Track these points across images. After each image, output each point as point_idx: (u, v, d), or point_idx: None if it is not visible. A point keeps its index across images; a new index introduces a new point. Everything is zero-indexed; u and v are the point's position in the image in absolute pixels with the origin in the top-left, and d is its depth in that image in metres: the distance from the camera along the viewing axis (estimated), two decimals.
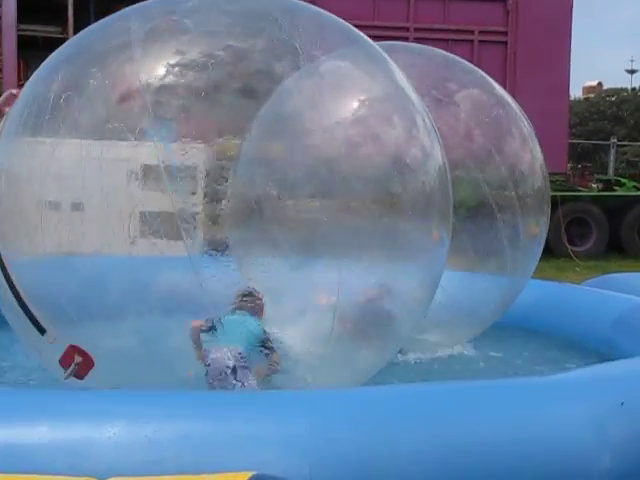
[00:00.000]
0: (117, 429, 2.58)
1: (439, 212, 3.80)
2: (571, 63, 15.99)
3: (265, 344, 3.58)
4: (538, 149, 5.62)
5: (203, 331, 3.53)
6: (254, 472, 2.23)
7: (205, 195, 3.48)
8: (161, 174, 3.38)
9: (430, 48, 6.01)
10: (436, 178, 3.79)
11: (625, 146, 31.96)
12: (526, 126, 5.59)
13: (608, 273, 7.99)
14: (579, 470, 2.88)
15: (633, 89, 46.83)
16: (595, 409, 3.07)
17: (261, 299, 3.66)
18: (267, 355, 3.59)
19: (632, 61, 55.99)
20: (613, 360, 4.11)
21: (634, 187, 17.93)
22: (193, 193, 3.47)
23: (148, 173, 3.40)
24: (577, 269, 13.65)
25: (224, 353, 3.47)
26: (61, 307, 3.46)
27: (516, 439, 2.91)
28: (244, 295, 3.63)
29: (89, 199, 3.44)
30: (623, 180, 18.44)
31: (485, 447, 2.84)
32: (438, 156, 3.82)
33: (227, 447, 2.60)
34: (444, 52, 5.91)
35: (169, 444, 2.57)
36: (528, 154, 5.58)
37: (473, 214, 5.40)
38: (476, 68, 5.77)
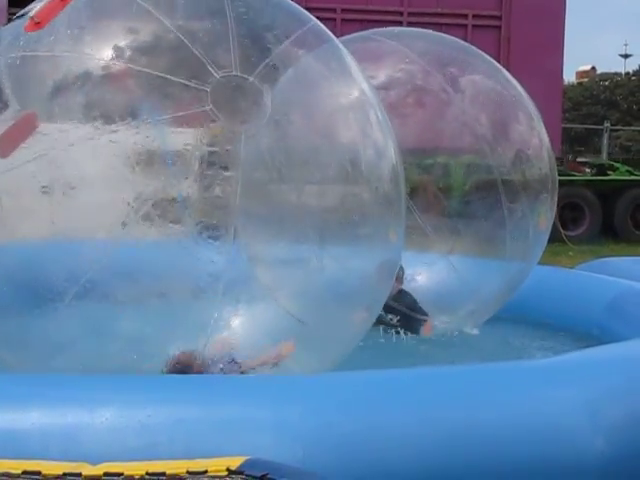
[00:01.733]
0: (110, 414, 2.58)
1: (392, 210, 3.82)
2: (565, 47, 15.98)
3: None
4: (545, 133, 5.59)
5: None
6: (248, 457, 2.23)
7: (199, 180, 3.47)
8: (155, 157, 3.38)
9: (440, 34, 6.00)
10: (389, 174, 3.80)
11: (618, 130, 32.00)
12: (533, 110, 5.56)
13: (601, 257, 8.01)
14: (572, 454, 2.89)
15: (627, 73, 46.86)
16: (588, 393, 3.08)
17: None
18: None
19: (626, 45, 56.14)
20: (606, 344, 4.12)
21: (627, 171, 17.96)
22: (186, 177, 3.46)
23: (141, 157, 3.38)
24: (570, 253, 13.69)
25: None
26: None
27: (508, 423, 2.92)
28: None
29: (80, 183, 3.42)
30: (616, 164, 18.47)
31: (478, 430, 2.85)
32: (391, 153, 3.83)
33: (221, 432, 2.60)
34: (450, 37, 5.91)
35: (162, 429, 2.57)
36: (536, 139, 5.56)
37: (479, 199, 5.39)
38: (482, 52, 5.75)
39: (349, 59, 3.90)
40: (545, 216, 5.54)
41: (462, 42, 5.93)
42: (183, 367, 3.40)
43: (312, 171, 3.70)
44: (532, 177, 5.43)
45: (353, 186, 3.74)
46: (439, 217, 5.58)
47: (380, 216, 3.79)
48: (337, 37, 4.07)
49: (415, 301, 5.31)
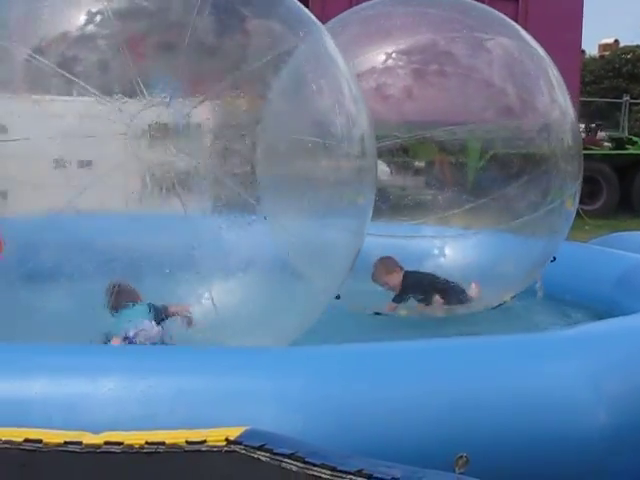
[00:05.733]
0: (112, 384, 2.60)
1: (363, 178, 3.87)
2: (588, 20, 15.80)
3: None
4: (569, 104, 5.45)
5: None
6: (247, 427, 2.25)
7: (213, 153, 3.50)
8: (169, 131, 3.39)
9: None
10: (361, 145, 3.83)
11: (639, 104, 31.66)
12: (558, 79, 5.41)
13: (617, 232, 7.96)
14: (575, 426, 2.89)
15: None
16: (591, 365, 3.08)
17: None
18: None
19: None
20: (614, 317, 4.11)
21: None
22: (200, 150, 3.48)
23: (154, 130, 3.40)
24: (587, 227, 13.60)
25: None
26: None
27: (512, 395, 2.93)
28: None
29: (95, 156, 3.45)
30: (635, 138, 18.31)
31: (481, 402, 2.86)
32: (364, 124, 3.86)
33: (221, 402, 2.63)
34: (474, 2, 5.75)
35: (164, 399, 2.60)
36: (557, 110, 5.42)
37: (504, 174, 5.29)
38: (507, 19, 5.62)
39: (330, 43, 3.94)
40: (572, 204, 5.43)
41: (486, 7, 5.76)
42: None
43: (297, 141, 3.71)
44: (557, 149, 5.31)
45: (327, 153, 3.76)
46: (460, 191, 5.52)
47: (351, 181, 3.82)
48: None
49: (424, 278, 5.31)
